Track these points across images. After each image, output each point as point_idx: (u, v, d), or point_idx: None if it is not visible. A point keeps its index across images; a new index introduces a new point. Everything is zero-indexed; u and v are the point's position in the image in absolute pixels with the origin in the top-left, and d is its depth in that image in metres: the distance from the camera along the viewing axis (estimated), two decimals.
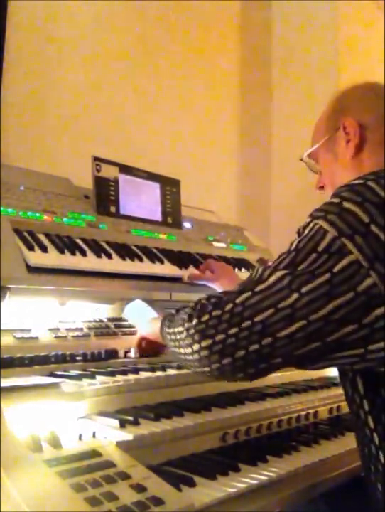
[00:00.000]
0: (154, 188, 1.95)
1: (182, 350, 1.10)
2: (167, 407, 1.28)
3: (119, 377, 1.27)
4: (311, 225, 1.02)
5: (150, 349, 1.55)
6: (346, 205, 1.00)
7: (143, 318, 1.60)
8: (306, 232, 1.02)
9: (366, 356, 0.98)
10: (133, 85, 2.54)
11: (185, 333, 1.06)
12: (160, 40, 2.67)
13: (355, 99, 1.26)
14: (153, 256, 1.70)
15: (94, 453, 0.98)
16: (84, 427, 1.08)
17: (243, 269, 2.00)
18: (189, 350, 1.05)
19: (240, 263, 2.05)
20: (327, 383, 1.73)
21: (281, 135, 3.08)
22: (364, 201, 1.00)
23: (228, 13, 3.09)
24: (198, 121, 2.85)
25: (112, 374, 1.28)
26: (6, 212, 1.44)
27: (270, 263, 1.06)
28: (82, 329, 1.54)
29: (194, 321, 1.03)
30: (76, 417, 1.12)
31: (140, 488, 0.88)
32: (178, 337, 1.10)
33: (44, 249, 1.40)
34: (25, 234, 1.42)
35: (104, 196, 1.77)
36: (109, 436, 1.05)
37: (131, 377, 1.30)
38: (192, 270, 1.76)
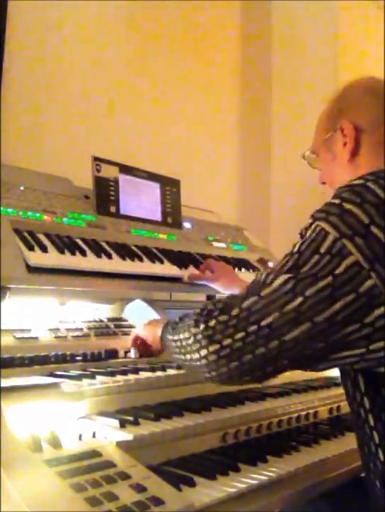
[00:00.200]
0: (154, 188, 1.95)
1: (188, 356, 1.10)
2: (167, 407, 1.28)
3: (119, 377, 1.27)
4: (313, 226, 1.02)
5: (145, 349, 1.54)
6: (347, 206, 1.00)
7: (142, 319, 1.60)
8: (308, 233, 1.02)
9: (368, 356, 0.99)
10: (133, 85, 2.54)
11: (192, 339, 1.07)
12: (160, 40, 2.67)
13: (353, 101, 1.26)
14: (153, 256, 1.70)
15: (94, 453, 0.98)
16: (84, 427, 1.08)
17: (243, 269, 1.99)
18: (196, 355, 1.06)
19: (240, 263, 2.04)
20: (327, 383, 1.73)
21: (281, 135, 3.08)
22: (363, 202, 1.00)
23: (228, 13, 3.10)
24: (198, 121, 2.85)
25: (112, 374, 1.28)
26: (6, 212, 1.44)
27: (271, 264, 1.06)
28: (82, 329, 1.54)
29: (202, 327, 1.04)
30: (76, 417, 1.12)
31: (140, 488, 0.88)
32: (184, 343, 1.11)
33: (44, 249, 1.40)
34: (25, 234, 1.42)
35: (104, 196, 1.76)
36: (109, 436, 1.05)
37: (131, 377, 1.30)
38: (192, 270, 1.76)
